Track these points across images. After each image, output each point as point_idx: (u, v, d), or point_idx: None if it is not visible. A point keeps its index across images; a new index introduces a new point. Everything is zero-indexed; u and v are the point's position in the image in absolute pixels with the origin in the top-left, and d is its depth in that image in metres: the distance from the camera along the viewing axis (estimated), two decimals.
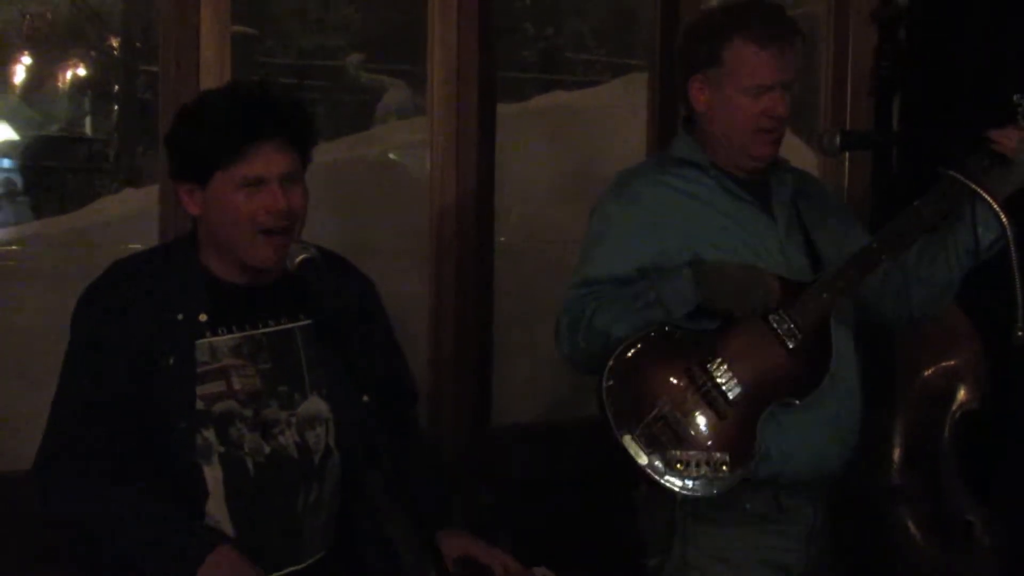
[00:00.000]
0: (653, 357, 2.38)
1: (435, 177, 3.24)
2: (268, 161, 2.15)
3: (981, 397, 3.06)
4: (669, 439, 2.33)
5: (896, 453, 3.09)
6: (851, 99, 3.85)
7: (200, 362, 2.16)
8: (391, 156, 4.17)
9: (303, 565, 2.22)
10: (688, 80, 2.51)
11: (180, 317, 2.17)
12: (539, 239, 3.89)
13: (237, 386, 2.17)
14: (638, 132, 3.64)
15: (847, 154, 3.71)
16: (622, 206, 2.51)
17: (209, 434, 2.14)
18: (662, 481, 2.32)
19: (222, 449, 2.15)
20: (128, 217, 3.76)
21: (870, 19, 3.78)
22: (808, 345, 2.41)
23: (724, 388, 2.37)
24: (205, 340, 2.17)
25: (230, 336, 2.20)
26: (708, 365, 2.38)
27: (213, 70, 2.81)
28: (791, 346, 2.40)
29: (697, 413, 2.36)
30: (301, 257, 2.13)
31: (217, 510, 2.14)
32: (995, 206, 2.38)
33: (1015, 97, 2.43)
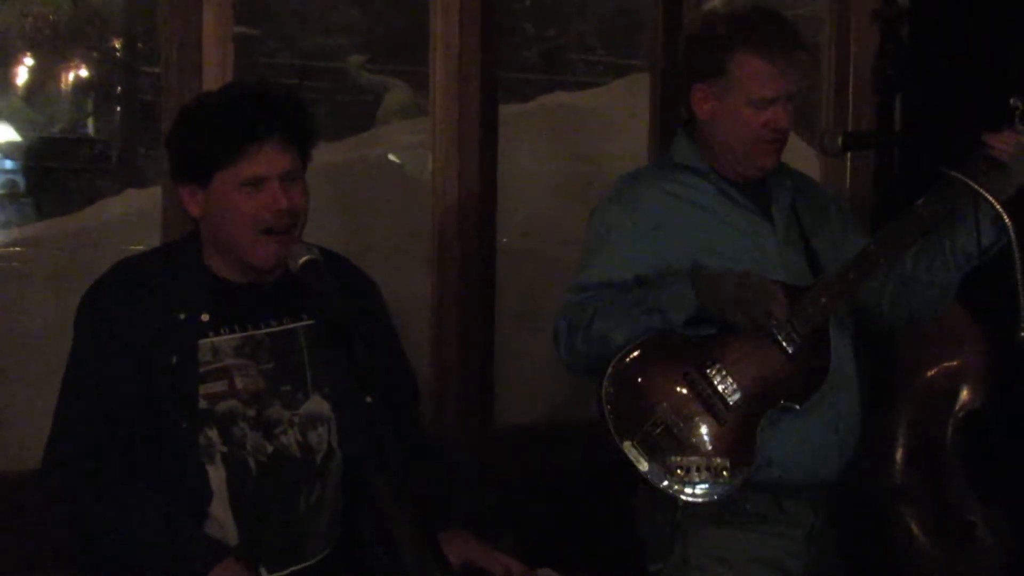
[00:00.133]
0: (652, 363, 2.38)
1: (437, 178, 3.25)
2: (268, 160, 2.15)
3: (984, 397, 3.06)
4: (669, 445, 2.34)
5: (899, 453, 3.09)
6: (853, 99, 3.85)
7: (203, 362, 2.16)
8: (393, 157, 4.17)
9: (306, 564, 2.22)
10: (691, 87, 2.51)
11: (182, 317, 2.17)
12: (541, 239, 3.89)
13: (239, 385, 2.18)
14: (640, 132, 3.64)
15: (849, 154, 3.70)
16: (622, 211, 2.51)
17: (212, 434, 2.15)
18: (663, 487, 2.33)
19: (225, 449, 2.15)
20: (130, 218, 3.76)
21: (872, 19, 3.78)
22: (807, 350, 2.41)
23: (723, 393, 2.37)
24: (208, 340, 2.18)
25: (232, 336, 2.20)
26: (707, 371, 2.38)
27: (215, 71, 2.81)
28: (790, 351, 2.40)
29: (697, 419, 2.36)
30: (304, 259, 2.14)
31: (221, 511, 2.15)
32: (997, 206, 2.37)
33: (1012, 100, 2.43)
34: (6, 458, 2.82)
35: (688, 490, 2.33)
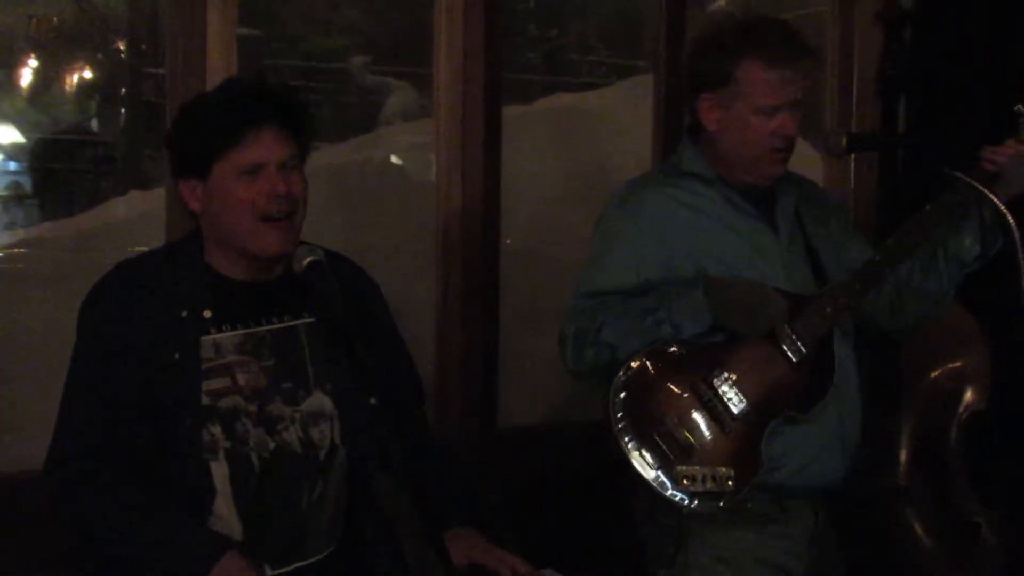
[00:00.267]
0: (659, 372, 2.39)
1: (441, 179, 3.25)
2: (266, 147, 2.16)
3: (988, 399, 3.06)
4: (675, 454, 2.34)
5: (903, 455, 3.08)
6: (857, 101, 3.85)
7: (205, 358, 2.17)
8: (396, 158, 4.17)
9: (309, 561, 2.23)
10: (697, 97, 2.51)
11: (184, 314, 2.18)
12: (545, 241, 3.88)
13: (242, 382, 2.19)
14: (643, 133, 3.64)
15: (853, 156, 3.71)
16: (628, 217, 2.51)
17: (215, 430, 2.16)
18: (669, 496, 2.33)
19: (228, 445, 2.16)
20: (135, 219, 3.76)
21: (875, 21, 3.78)
22: (812, 359, 2.41)
23: (729, 403, 2.37)
24: (210, 337, 2.19)
25: (234, 333, 2.21)
26: (713, 380, 2.38)
27: (219, 72, 2.82)
28: (795, 360, 2.40)
29: (702, 428, 2.37)
30: (309, 259, 2.15)
31: (225, 507, 2.15)
32: (1001, 208, 2.38)
33: (1016, 108, 2.43)
34: (7, 459, 2.82)
35: (694, 499, 2.34)
